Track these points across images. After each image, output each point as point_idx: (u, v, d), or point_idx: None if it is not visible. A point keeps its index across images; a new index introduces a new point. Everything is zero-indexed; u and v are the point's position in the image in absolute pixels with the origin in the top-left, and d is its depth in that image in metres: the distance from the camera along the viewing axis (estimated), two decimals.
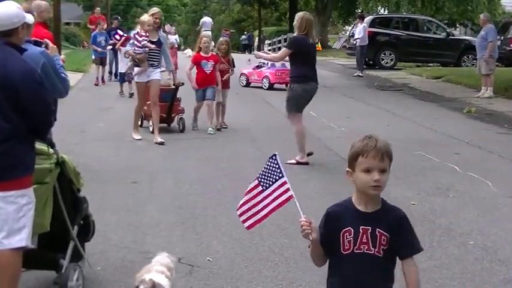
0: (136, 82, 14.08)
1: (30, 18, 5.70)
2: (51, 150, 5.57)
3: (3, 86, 5.03)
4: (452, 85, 26.51)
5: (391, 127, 16.25)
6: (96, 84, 24.54)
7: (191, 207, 9.15)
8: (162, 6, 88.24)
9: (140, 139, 13.79)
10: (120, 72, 22.62)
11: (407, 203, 9.49)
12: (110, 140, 14.05)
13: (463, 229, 8.41)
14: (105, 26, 26.18)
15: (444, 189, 10.32)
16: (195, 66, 15.30)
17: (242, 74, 25.68)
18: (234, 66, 16.48)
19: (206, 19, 38.36)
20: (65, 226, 5.82)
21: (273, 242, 7.76)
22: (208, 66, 15.18)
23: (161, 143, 13.46)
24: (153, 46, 13.64)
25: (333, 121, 16.59)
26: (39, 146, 5.47)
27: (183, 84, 15.12)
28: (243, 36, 67.75)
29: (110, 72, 26.22)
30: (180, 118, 15.56)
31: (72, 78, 24.59)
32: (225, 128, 15.69)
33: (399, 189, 10.35)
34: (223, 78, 15.76)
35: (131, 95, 20.82)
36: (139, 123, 14.89)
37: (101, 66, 25.06)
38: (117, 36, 23.33)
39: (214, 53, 15.64)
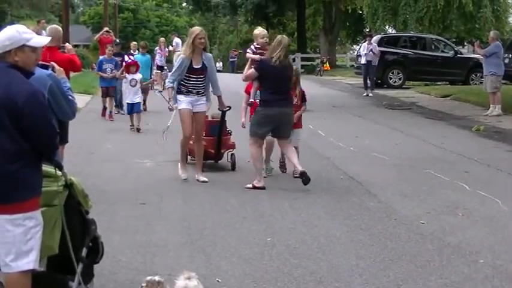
0: (180, 109, 11.94)
1: (39, 41, 5.57)
2: (58, 173, 5.57)
3: (8, 108, 5.04)
4: (460, 103, 26.49)
5: (400, 146, 16.23)
6: (103, 116, 21.42)
7: (200, 228, 9.14)
8: (171, 27, 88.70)
9: (186, 179, 12.08)
10: (127, 103, 19.20)
11: (416, 222, 9.49)
12: (119, 161, 14.06)
13: (473, 247, 8.38)
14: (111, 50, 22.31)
15: (453, 208, 10.29)
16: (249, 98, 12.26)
17: None
18: (305, 101, 12.83)
19: (179, 40, 37.26)
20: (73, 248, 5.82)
21: (282, 263, 7.74)
22: None
23: (204, 182, 11.98)
24: (257, 57, 12.09)
25: (342, 140, 16.58)
26: (47, 168, 5.48)
27: (229, 108, 12.80)
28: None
29: (117, 105, 22.66)
30: (231, 154, 13.33)
31: (81, 100, 24.70)
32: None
33: (408, 207, 10.34)
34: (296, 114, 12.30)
35: (138, 129, 18.64)
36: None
37: (108, 98, 21.54)
38: (127, 59, 21.19)
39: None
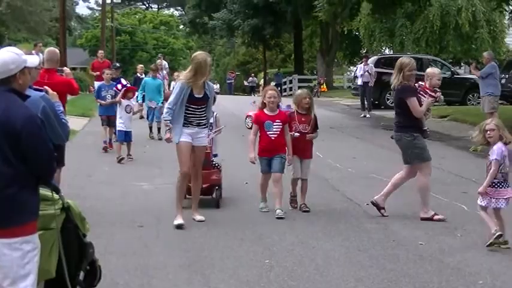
0: (179, 142, 10.65)
1: (32, 61, 5.66)
2: (55, 196, 5.56)
3: (6, 132, 5.05)
4: (458, 124, 26.48)
5: (398, 167, 16.19)
6: (105, 150, 18.94)
7: (198, 250, 9.12)
8: (168, 50, 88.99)
9: (182, 224, 10.37)
10: (120, 130, 17.57)
11: (415, 243, 9.48)
12: (116, 183, 14.03)
13: (472, 268, 8.36)
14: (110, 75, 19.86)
15: (452, 229, 10.28)
16: (258, 129, 11.54)
17: (248, 116, 25.68)
18: (317, 128, 12.04)
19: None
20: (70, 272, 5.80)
21: (280, 285, 7.72)
22: (273, 129, 11.34)
23: (200, 221, 10.67)
24: (431, 100, 11.29)
25: (340, 162, 16.57)
26: (44, 191, 5.46)
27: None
28: (250, 79, 68.10)
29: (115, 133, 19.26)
30: (216, 189, 12.02)
31: (78, 122, 24.72)
32: (307, 211, 11.44)
33: (407, 228, 10.33)
34: (308, 135, 11.70)
35: (129, 156, 17.33)
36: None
37: (108, 128, 19.14)
38: (119, 86, 18.56)
39: (285, 110, 11.93)
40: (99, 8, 79.08)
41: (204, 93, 10.68)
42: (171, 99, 10.81)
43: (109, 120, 18.96)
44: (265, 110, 11.49)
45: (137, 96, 21.42)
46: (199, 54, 10.93)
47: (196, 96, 10.62)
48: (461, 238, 9.83)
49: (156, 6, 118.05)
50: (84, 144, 19.87)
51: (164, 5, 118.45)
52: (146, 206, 11.93)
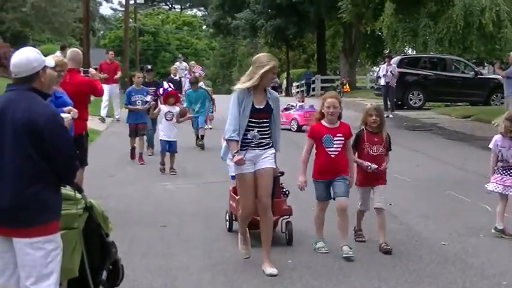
0: (239, 174, 8.28)
1: (50, 62, 5.79)
2: (78, 195, 5.58)
3: (28, 131, 5.09)
4: (481, 124, 26.33)
5: (421, 167, 16.15)
6: (133, 158, 17.02)
7: (221, 251, 9.11)
8: (191, 50, 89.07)
9: (248, 257, 8.58)
10: (162, 140, 15.42)
11: (438, 243, 9.43)
12: (139, 183, 14.05)
13: (496, 269, 8.31)
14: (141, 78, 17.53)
15: (476, 229, 10.21)
16: (314, 146, 9.20)
17: None
18: (390, 149, 10.11)
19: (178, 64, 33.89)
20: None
21: (303, 285, 7.71)
22: (333, 145, 9.02)
23: (272, 275, 8.02)
24: None
25: None
26: (66, 191, 5.50)
27: (282, 174, 9.38)
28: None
29: (150, 145, 18.03)
30: (287, 222, 9.56)
31: (102, 123, 24.84)
32: (389, 251, 8.98)
33: (430, 229, 10.29)
34: (379, 167, 9.57)
35: (173, 171, 15.17)
36: (228, 224, 10.21)
37: (137, 138, 16.99)
38: (161, 90, 16.90)
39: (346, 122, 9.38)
40: (123, 9, 79.26)
41: (266, 103, 8.34)
42: (230, 114, 8.29)
43: (137, 130, 16.95)
44: (323, 122, 9.15)
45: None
46: (265, 57, 8.55)
47: (257, 107, 8.28)
48: (485, 238, 9.77)
49: (179, 6, 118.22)
50: (108, 144, 19.93)
51: (187, 5, 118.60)
52: (169, 206, 11.94)
